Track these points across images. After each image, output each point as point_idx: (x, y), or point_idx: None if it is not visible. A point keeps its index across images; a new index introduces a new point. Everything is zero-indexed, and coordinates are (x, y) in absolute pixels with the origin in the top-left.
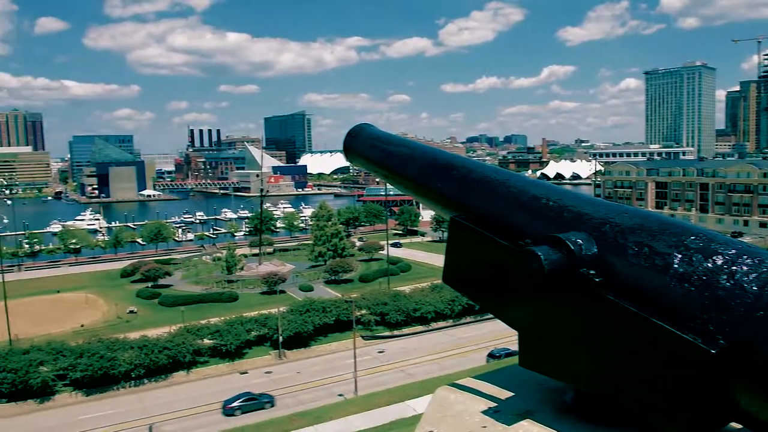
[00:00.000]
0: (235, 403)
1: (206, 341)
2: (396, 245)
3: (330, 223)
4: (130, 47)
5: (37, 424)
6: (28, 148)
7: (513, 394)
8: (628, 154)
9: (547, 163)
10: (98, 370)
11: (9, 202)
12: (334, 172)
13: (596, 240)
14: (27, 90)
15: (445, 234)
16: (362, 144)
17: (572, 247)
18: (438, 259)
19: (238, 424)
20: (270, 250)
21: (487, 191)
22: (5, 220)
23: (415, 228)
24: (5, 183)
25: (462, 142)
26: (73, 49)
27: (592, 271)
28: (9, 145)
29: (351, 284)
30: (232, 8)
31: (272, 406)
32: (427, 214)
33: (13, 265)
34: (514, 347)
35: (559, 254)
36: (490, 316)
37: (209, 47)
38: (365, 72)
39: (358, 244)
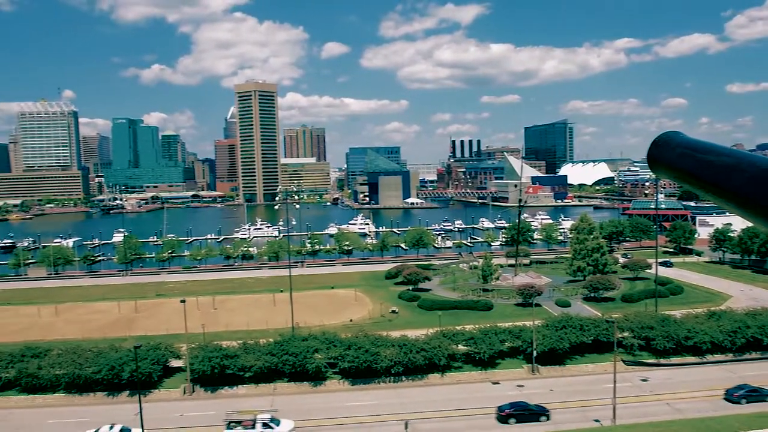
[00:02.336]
0: (741, 392)
1: (460, 347)
2: (666, 264)
3: (591, 236)
4: (400, 65)
5: (312, 404)
6: (313, 159)
7: None
8: None
9: None
10: (363, 363)
11: (297, 206)
12: (597, 183)
13: None
14: (314, 108)
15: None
16: (670, 153)
17: None
18: (717, 284)
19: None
20: (526, 261)
21: None
22: (293, 222)
23: (689, 246)
24: (295, 189)
25: (750, 150)
26: (352, 70)
27: None
28: (297, 156)
29: (612, 303)
30: (496, 20)
31: None
32: (704, 232)
33: (297, 262)
34: None
35: None
36: None
37: (473, 60)
38: (635, 75)
39: (621, 260)
